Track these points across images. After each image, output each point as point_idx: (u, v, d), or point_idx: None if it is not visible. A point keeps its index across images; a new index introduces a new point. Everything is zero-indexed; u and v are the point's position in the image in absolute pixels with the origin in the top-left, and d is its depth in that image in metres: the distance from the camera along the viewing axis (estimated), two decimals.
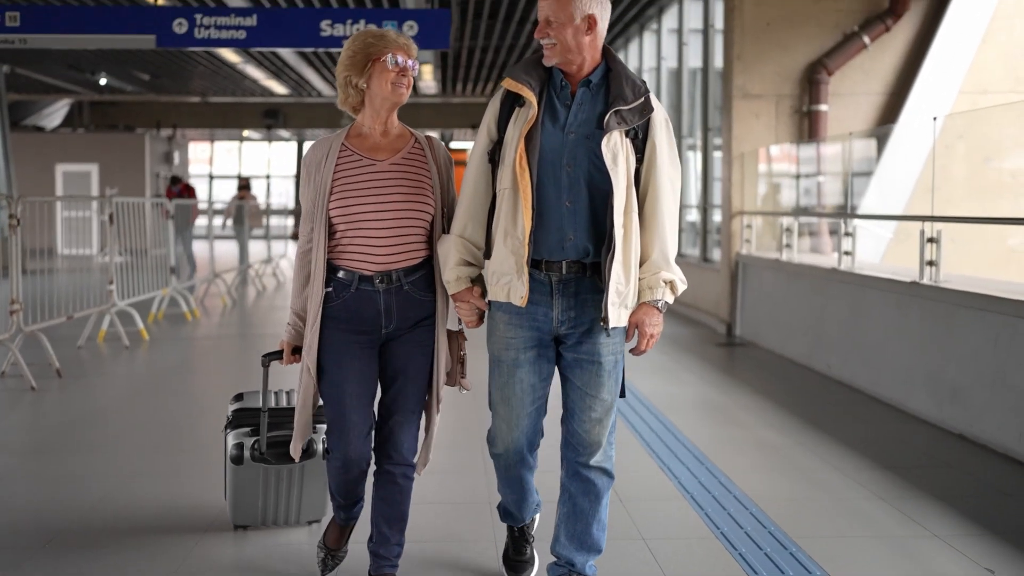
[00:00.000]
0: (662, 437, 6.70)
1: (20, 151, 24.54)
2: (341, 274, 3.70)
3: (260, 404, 4.38)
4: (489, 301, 3.72)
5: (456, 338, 3.91)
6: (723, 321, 12.06)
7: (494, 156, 3.64)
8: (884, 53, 11.63)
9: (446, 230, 3.79)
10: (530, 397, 3.70)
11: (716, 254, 13.22)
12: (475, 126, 34.88)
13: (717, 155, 13.39)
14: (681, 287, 3.62)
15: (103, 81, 24.54)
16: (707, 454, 6.28)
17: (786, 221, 10.62)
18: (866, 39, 11.44)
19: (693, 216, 15.23)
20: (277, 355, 3.92)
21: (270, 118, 31.83)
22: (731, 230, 12.01)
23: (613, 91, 3.53)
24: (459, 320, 3.84)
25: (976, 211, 10.81)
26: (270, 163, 41.29)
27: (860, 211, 11.01)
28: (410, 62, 3.71)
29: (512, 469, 3.88)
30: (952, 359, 6.92)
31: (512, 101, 3.62)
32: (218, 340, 11.79)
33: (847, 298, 8.71)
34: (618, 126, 3.48)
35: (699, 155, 14.52)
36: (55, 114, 32.18)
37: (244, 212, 18.28)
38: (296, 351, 3.85)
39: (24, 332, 8.81)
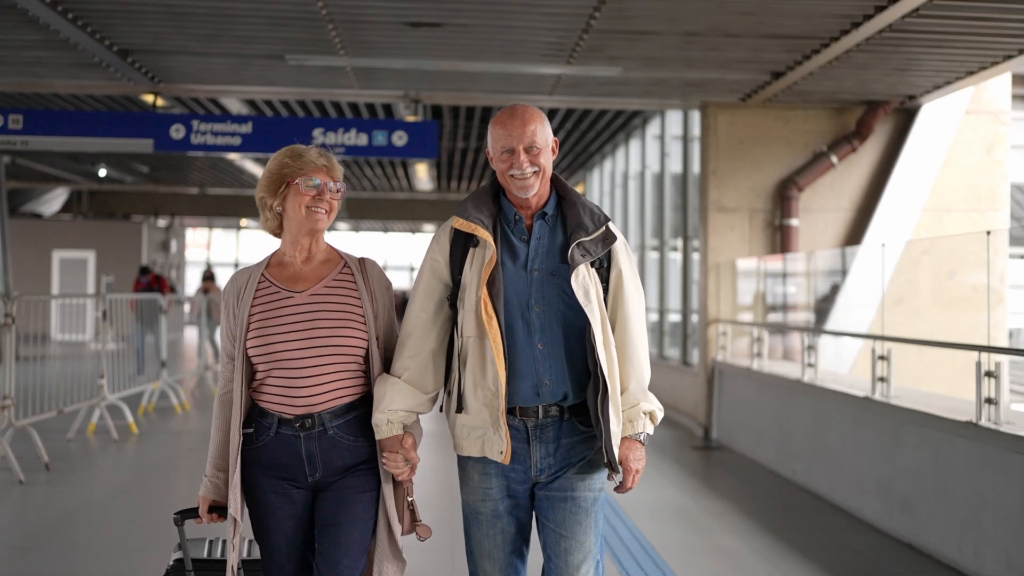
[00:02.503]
0: (625, 541, 6.98)
1: (17, 237, 24.93)
2: (262, 416, 3.38)
3: (201, 554, 3.76)
4: (460, 457, 3.44)
5: (401, 484, 3.44)
6: (700, 424, 12.37)
7: (454, 301, 3.40)
8: (851, 172, 12.15)
9: (385, 362, 3.47)
10: (512, 547, 3.41)
11: (695, 357, 13.57)
12: None
13: (696, 257, 13.81)
14: (660, 415, 3.42)
15: (103, 173, 25.00)
16: (666, 559, 6.56)
17: (756, 331, 11.02)
18: (834, 158, 11.96)
19: (675, 319, 15.61)
20: (192, 512, 3.49)
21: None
22: (707, 337, 12.40)
23: (571, 221, 3.35)
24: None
25: (943, 322, 11.22)
26: (268, 250, 41.72)
27: (830, 321, 11.41)
28: (332, 184, 3.41)
29: None
30: (900, 471, 7.26)
31: (464, 240, 3.37)
32: (206, 435, 12.00)
33: (810, 408, 9.06)
34: (583, 258, 3.28)
35: (680, 259, 14.95)
36: (54, 200, 32.64)
37: (207, 306, 17.55)
38: (214, 509, 3.45)
39: (15, 426, 9.05)
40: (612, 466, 3.26)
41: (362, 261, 3.51)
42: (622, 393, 3.36)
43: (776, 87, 11.05)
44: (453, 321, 3.42)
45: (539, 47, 9.98)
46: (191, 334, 19.12)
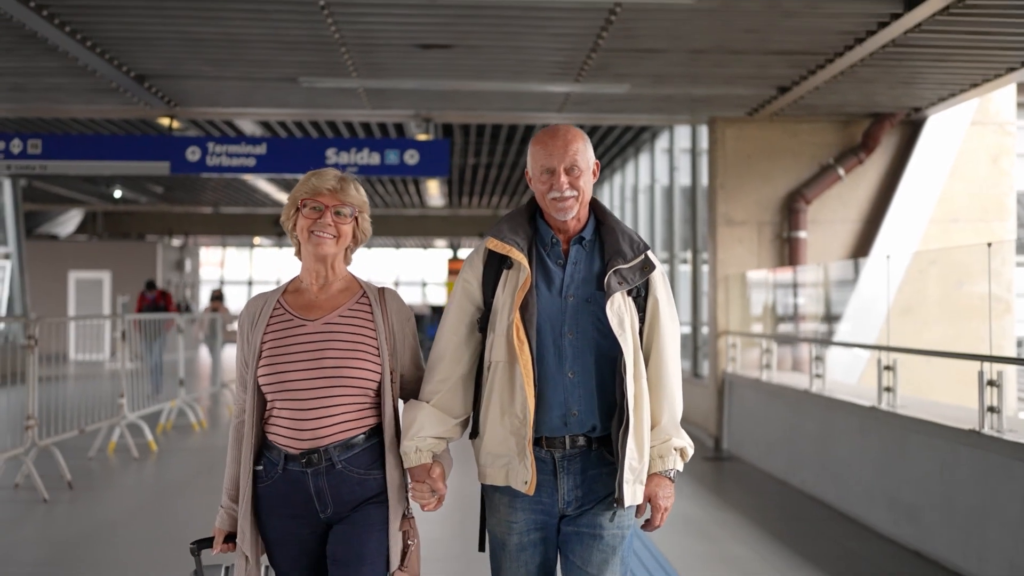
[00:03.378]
0: (635, 549, 7.10)
1: (34, 259, 25.15)
2: (271, 451, 3.26)
3: None
4: (485, 485, 3.35)
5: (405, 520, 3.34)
6: (712, 435, 12.48)
7: (483, 325, 3.30)
8: (858, 184, 12.28)
9: (404, 394, 3.38)
10: None
11: (706, 368, 13.69)
12: (483, 235, 35.56)
13: (706, 269, 13.94)
14: (690, 452, 3.33)
15: (118, 194, 25.24)
16: (676, 567, 6.68)
17: (765, 343, 11.15)
18: (841, 171, 12.09)
19: (685, 330, 15.75)
20: (208, 542, 3.41)
21: (281, 227, 32.44)
22: (717, 348, 12.53)
23: (609, 247, 3.26)
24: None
25: (951, 331, 11.32)
26: (281, 268, 42.01)
27: (839, 331, 11.52)
28: (343, 209, 3.27)
29: None
30: (906, 480, 7.38)
31: (498, 262, 3.27)
32: (223, 452, 12.14)
33: (817, 418, 9.18)
34: (619, 286, 3.18)
35: (689, 271, 15.08)
36: (69, 222, 32.91)
37: (217, 325, 17.52)
38: (229, 538, 3.36)
39: (38, 446, 9.19)
40: (620, 501, 3.16)
41: (382, 291, 3.37)
42: (653, 427, 3.27)
43: (782, 101, 11.20)
44: (484, 345, 3.33)
45: (547, 66, 10.16)
46: (203, 352, 19.18)
